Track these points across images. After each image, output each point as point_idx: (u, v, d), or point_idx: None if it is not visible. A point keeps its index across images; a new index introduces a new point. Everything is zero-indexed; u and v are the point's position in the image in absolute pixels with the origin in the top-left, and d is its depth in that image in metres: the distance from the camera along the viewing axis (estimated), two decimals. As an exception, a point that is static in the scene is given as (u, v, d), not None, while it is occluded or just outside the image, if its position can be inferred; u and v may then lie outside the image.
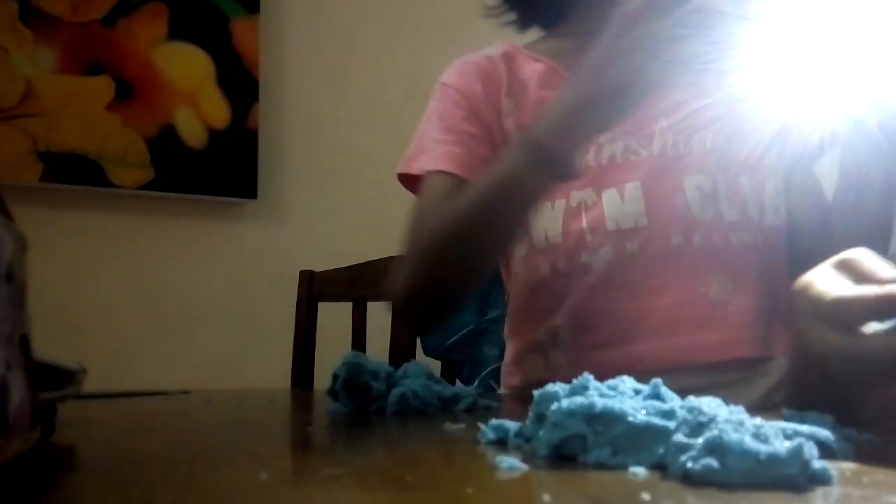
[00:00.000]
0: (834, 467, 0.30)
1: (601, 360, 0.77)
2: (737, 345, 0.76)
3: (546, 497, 0.28)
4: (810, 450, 0.30)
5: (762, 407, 0.69)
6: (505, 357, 0.92)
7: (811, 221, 0.81)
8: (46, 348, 0.41)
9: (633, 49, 0.62)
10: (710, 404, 0.34)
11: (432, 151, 0.85)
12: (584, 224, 0.80)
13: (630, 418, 0.34)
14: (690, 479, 0.30)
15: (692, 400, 0.35)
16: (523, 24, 0.95)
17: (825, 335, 0.44)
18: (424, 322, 0.87)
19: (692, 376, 0.72)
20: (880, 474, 0.33)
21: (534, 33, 0.96)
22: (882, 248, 0.71)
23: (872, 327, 0.42)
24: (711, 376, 0.74)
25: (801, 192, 0.82)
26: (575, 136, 0.67)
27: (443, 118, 0.87)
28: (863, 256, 0.45)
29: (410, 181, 0.88)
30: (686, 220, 0.78)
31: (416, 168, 0.86)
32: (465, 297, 0.83)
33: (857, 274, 0.45)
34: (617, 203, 0.79)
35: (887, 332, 0.41)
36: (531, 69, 0.87)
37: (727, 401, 0.35)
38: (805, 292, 0.46)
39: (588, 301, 0.80)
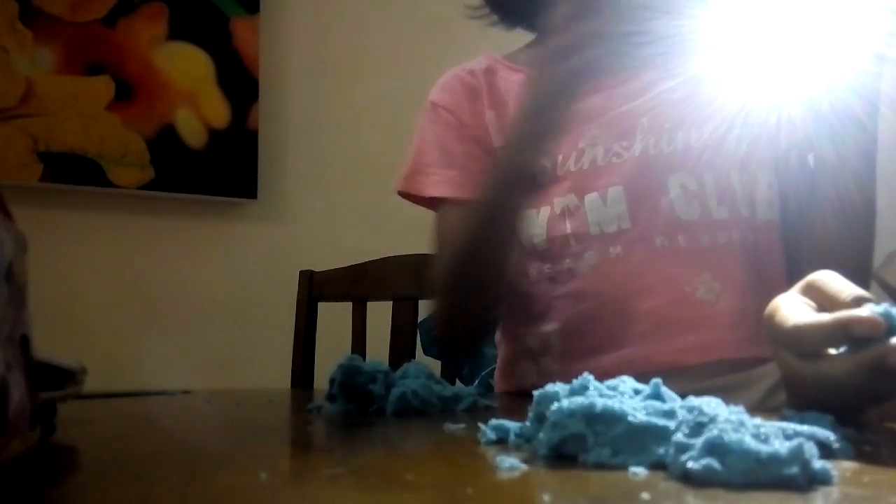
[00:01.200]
0: (834, 467, 0.30)
1: (592, 367, 0.76)
2: (724, 346, 0.76)
3: (546, 497, 0.28)
4: (810, 450, 0.30)
5: (762, 409, 0.68)
6: (497, 362, 0.92)
7: (794, 213, 0.80)
8: (46, 348, 0.41)
9: (567, 51, 0.65)
10: (709, 404, 0.34)
11: (432, 176, 0.89)
12: (568, 230, 0.80)
13: (630, 418, 0.34)
14: (690, 479, 0.30)
15: (692, 400, 0.35)
16: (507, 25, 0.95)
17: (791, 360, 0.45)
18: (460, 350, 0.90)
19: (685, 380, 0.71)
20: (880, 474, 0.33)
21: (521, 36, 0.97)
22: (835, 227, 0.72)
23: (833, 351, 0.43)
24: (706, 380, 0.74)
25: (795, 183, 0.81)
26: (528, 146, 0.71)
27: (439, 138, 0.90)
28: (827, 278, 0.46)
29: (411, 196, 0.91)
30: (670, 221, 0.78)
31: (414, 189, 0.90)
32: (486, 323, 0.85)
33: (821, 296, 0.46)
34: (599, 207, 0.79)
35: (842, 357, 0.42)
36: (511, 80, 0.88)
37: (727, 403, 0.35)
38: (770, 320, 0.47)
39: (575, 307, 0.80)
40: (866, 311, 0.41)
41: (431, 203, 0.90)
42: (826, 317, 0.43)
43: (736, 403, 0.35)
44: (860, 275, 0.73)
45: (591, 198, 0.80)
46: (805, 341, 0.44)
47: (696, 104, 0.78)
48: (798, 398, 0.48)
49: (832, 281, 0.46)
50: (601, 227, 0.79)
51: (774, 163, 0.81)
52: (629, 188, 0.79)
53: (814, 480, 0.29)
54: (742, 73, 0.72)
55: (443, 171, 0.88)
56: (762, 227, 0.80)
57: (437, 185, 0.88)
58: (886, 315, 0.40)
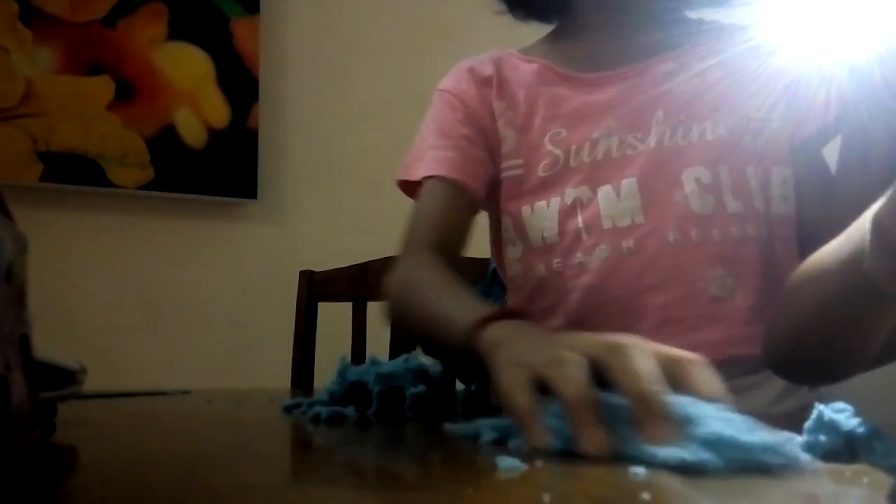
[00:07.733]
0: (834, 467, 0.30)
1: None
2: (735, 342, 0.74)
3: (546, 497, 0.28)
4: (797, 441, 0.30)
5: (771, 414, 0.68)
6: None
7: (815, 205, 0.78)
8: (46, 348, 0.41)
9: None
10: (696, 401, 0.34)
11: (428, 158, 0.87)
12: (580, 223, 0.79)
13: (616, 409, 0.34)
14: (688, 477, 0.30)
15: (680, 398, 0.35)
16: (519, 16, 0.94)
17: None
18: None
19: None
20: (880, 474, 0.33)
21: (521, 35, 0.96)
22: None
23: None
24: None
25: (807, 175, 0.79)
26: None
27: (439, 123, 0.89)
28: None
29: (410, 187, 0.89)
30: (684, 215, 0.76)
31: (413, 175, 0.88)
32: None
33: None
34: (613, 200, 0.79)
35: None
36: (524, 69, 0.88)
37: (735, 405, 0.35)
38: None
39: (585, 301, 0.79)
40: None
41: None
42: None
43: (744, 406, 0.35)
44: None
45: (604, 190, 0.79)
46: None
47: (713, 96, 0.77)
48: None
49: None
50: (614, 221, 0.78)
51: (790, 157, 0.79)
52: (643, 181, 0.78)
53: (801, 469, 0.30)
54: (763, 63, 0.71)
55: (439, 152, 0.87)
56: (776, 222, 0.78)
57: (430, 164, 0.86)
58: None
